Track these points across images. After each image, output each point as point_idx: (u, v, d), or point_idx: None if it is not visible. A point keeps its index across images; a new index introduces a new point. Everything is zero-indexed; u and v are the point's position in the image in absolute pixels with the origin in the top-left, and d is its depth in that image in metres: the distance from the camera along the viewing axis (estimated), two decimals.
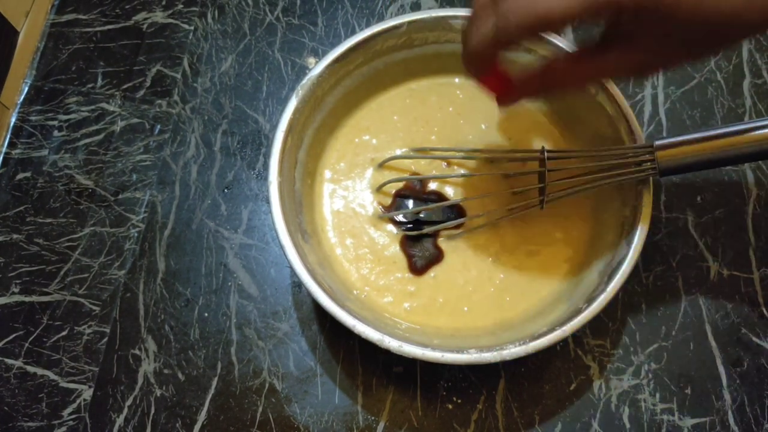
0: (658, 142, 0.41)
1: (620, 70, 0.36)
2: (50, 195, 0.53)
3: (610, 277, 0.41)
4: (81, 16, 0.60)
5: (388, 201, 0.49)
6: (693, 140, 0.41)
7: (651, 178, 0.43)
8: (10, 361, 0.48)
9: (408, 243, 0.47)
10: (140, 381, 0.47)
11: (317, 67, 0.46)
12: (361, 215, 0.48)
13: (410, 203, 0.49)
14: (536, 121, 0.51)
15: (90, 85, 0.57)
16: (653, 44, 0.33)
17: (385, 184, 0.49)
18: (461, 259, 0.47)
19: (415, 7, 0.60)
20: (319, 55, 0.58)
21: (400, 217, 0.48)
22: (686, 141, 0.41)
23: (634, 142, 0.44)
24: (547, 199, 0.45)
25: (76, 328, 0.49)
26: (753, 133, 0.40)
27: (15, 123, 0.56)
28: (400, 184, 0.49)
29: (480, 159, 0.50)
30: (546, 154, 0.45)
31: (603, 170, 0.43)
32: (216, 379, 0.47)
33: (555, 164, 0.45)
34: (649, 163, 0.42)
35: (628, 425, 0.45)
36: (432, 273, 0.46)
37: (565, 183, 0.45)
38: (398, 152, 0.50)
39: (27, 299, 0.50)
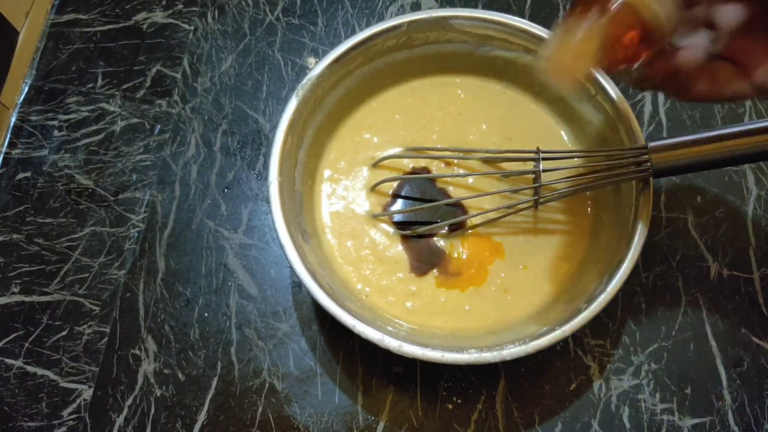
0: (652, 144, 0.41)
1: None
2: (50, 195, 0.53)
3: (610, 277, 0.41)
4: (81, 16, 0.60)
5: (387, 201, 0.49)
6: (688, 143, 0.41)
7: (651, 179, 0.43)
8: (10, 361, 0.48)
9: (409, 243, 0.47)
10: (140, 381, 0.47)
11: (317, 67, 0.46)
12: (361, 216, 0.48)
13: (408, 203, 0.49)
14: (537, 121, 0.51)
15: (90, 85, 0.57)
16: None
17: (378, 183, 0.49)
18: (462, 259, 0.47)
19: (415, 7, 0.60)
20: (319, 55, 0.58)
21: (397, 217, 0.48)
22: (681, 143, 0.41)
23: (634, 142, 0.44)
24: (542, 199, 0.45)
25: (76, 328, 0.49)
26: (749, 137, 0.39)
27: (15, 123, 0.56)
28: (396, 184, 0.49)
29: (477, 159, 0.50)
30: (541, 154, 0.45)
31: (597, 171, 0.43)
32: (216, 379, 0.47)
33: (550, 164, 0.45)
34: (643, 165, 0.41)
35: (628, 425, 0.45)
36: (433, 273, 0.46)
37: (560, 183, 0.45)
38: (393, 151, 0.50)
39: (27, 299, 0.50)
